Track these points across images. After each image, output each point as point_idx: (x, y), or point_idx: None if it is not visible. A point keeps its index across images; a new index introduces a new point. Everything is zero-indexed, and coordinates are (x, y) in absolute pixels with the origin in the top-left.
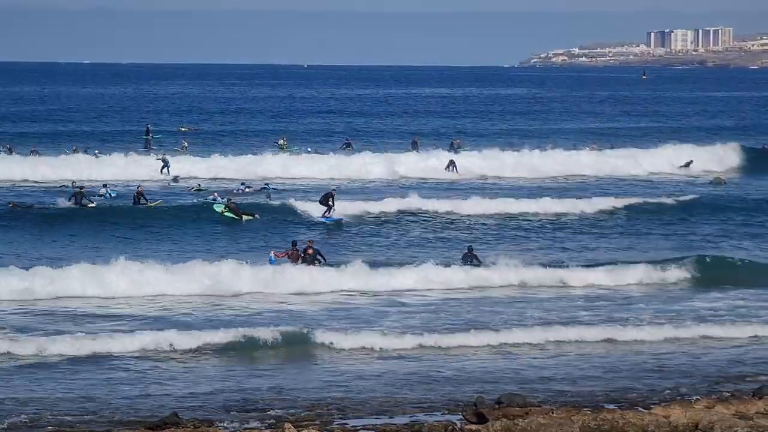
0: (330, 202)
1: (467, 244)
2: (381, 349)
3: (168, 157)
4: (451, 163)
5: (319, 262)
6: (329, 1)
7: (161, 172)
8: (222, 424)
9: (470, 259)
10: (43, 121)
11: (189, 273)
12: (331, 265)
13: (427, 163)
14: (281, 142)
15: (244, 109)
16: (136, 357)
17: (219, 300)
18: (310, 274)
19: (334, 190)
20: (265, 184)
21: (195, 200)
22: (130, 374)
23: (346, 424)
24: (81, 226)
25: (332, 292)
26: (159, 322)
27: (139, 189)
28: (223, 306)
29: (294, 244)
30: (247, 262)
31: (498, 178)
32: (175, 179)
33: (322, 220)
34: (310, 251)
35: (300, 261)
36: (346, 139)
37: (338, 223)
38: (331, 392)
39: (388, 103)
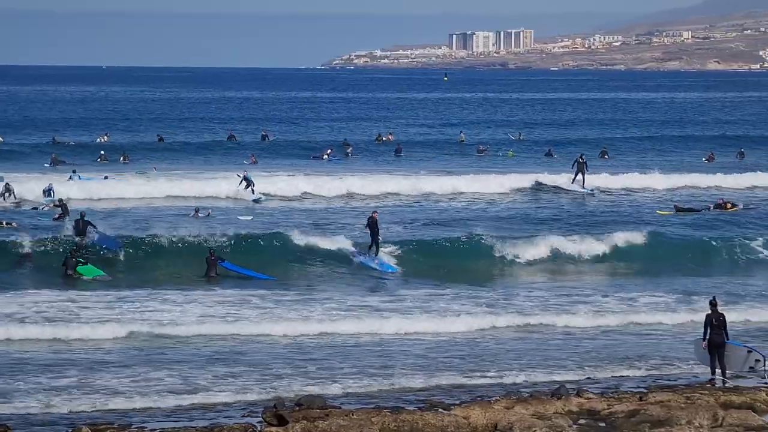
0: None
1: None
2: None
3: (249, 174)
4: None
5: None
6: (130, 1)
7: (245, 189)
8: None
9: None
10: None
11: None
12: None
13: None
14: (101, 140)
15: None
16: None
17: None
18: None
19: (375, 212)
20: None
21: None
22: None
23: (145, 426)
24: None
25: None
26: None
27: None
28: None
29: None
30: None
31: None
32: (258, 200)
33: (373, 265)
34: (72, 261)
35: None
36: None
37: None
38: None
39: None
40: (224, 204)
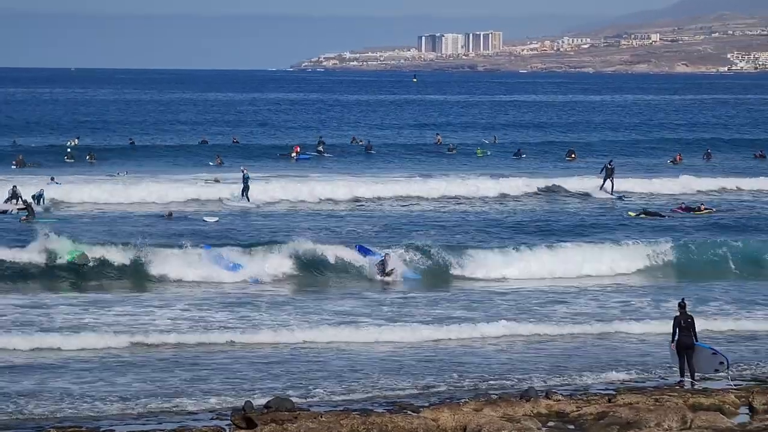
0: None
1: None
2: None
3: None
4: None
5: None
6: (98, 3)
7: (242, 195)
8: None
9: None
10: None
11: None
12: None
13: None
14: (71, 143)
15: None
16: None
17: None
18: None
19: (387, 254)
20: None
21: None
22: None
23: (113, 430)
24: None
25: None
26: None
27: None
28: None
29: None
30: None
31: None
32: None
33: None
34: None
35: None
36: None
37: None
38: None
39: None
40: (194, 207)
